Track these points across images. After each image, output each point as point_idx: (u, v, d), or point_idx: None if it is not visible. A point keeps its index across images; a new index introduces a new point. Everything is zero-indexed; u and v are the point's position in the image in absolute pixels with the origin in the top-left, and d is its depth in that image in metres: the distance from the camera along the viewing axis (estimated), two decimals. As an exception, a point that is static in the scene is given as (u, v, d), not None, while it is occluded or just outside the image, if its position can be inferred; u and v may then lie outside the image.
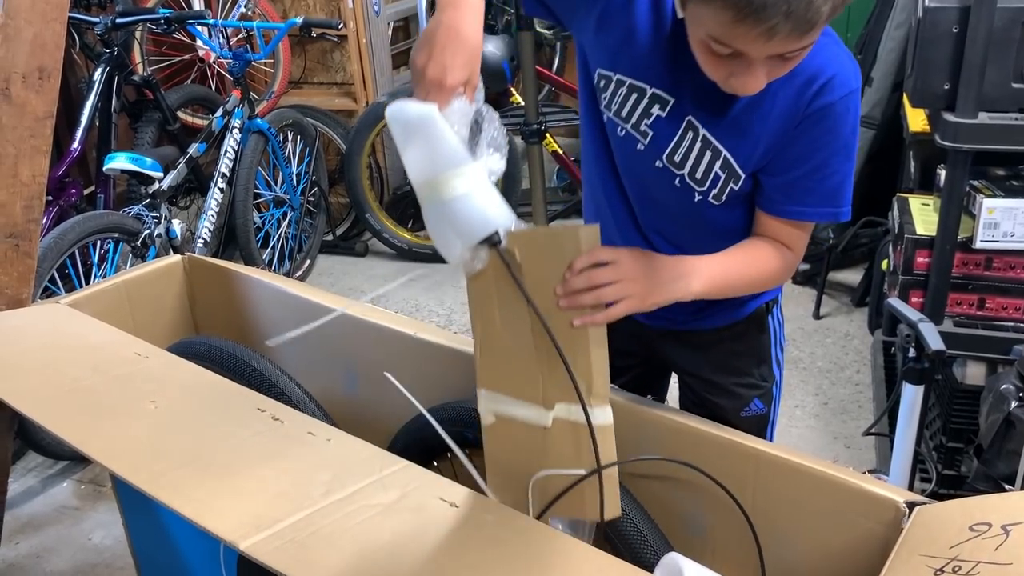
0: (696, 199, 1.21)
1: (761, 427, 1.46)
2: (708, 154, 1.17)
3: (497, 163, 1.00)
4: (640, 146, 1.20)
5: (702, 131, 1.16)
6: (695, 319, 1.36)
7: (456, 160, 0.97)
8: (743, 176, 1.17)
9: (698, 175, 1.18)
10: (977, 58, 1.80)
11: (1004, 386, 1.76)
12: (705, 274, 1.13)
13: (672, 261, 1.12)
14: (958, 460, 2.11)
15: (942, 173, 2.04)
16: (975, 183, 2.00)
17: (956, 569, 0.87)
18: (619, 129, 1.22)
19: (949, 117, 1.86)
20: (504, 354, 1.08)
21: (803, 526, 1.18)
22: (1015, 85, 1.83)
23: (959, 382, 2.05)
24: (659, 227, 1.28)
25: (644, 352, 1.45)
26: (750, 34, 0.93)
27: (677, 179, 1.20)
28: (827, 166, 1.15)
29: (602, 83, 1.21)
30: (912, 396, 1.79)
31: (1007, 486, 1.73)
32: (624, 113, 1.19)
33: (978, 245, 1.96)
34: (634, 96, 1.18)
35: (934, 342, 1.70)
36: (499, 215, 1.00)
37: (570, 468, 1.04)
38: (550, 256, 1.01)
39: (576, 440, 1.04)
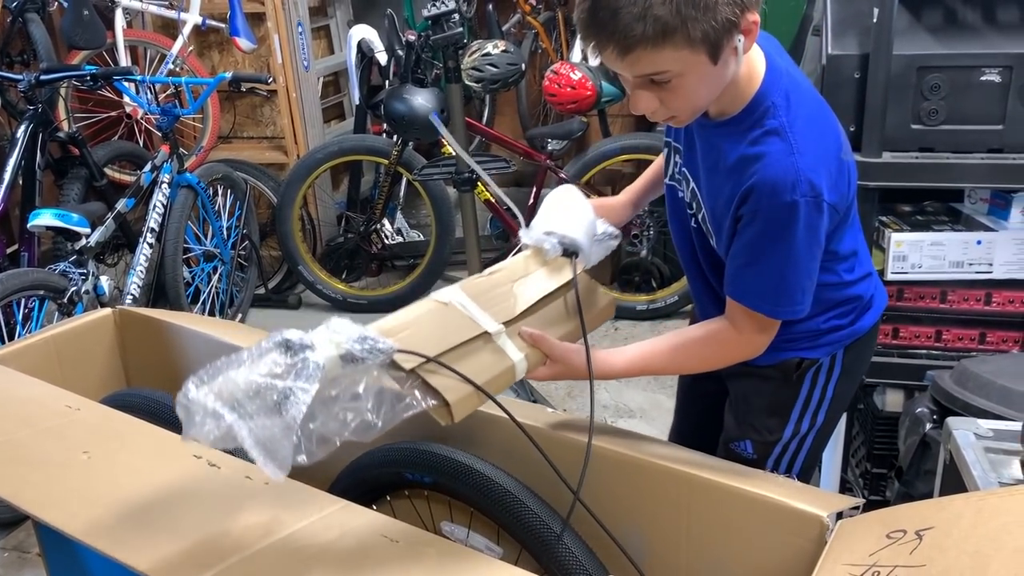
0: (712, 241, 1.36)
1: None
2: (695, 205, 1.37)
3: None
4: (680, 193, 1.42)
5: (692, 184, 1.37)
6: None
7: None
8: (712, 235, 1.34)
9: (700, 220, 1.37)
10: (878, 102, 1.91)
11: (919, 409, 1.83)
12: (619, 369, 1.35)
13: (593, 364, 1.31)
14: (883, 485, 2.18)
15: (853, 210, 2.14)
16: (883, 219, 2.11)
17: (876, 574, 0.91)
18: (666, 185, 1.46)
19: (856, 157, 1.97)
20: (499, 289, 1.35)
21: (735, 547, 1.22)
22: (914, 126, 1.95)
23: (880, 409, 2.14)
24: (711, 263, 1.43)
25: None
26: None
27: (692, 220, 1.39)
28: (758, 263, 1.25)
29: (664, 152, 1.47)
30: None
31: (927, 505, 1.80)
32: (669, 169, 1.45)
33: (889, 277, 2.05)
34: (667, 151, 1.45)
35: (853, 370, 1.78)
36: (589, 250, 1.45)
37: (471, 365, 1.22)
38: (585, 290, 1.43)
39: (492, 359, 1.26)
